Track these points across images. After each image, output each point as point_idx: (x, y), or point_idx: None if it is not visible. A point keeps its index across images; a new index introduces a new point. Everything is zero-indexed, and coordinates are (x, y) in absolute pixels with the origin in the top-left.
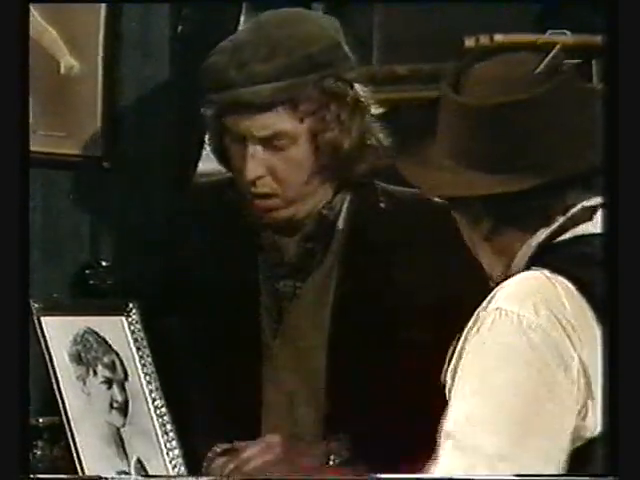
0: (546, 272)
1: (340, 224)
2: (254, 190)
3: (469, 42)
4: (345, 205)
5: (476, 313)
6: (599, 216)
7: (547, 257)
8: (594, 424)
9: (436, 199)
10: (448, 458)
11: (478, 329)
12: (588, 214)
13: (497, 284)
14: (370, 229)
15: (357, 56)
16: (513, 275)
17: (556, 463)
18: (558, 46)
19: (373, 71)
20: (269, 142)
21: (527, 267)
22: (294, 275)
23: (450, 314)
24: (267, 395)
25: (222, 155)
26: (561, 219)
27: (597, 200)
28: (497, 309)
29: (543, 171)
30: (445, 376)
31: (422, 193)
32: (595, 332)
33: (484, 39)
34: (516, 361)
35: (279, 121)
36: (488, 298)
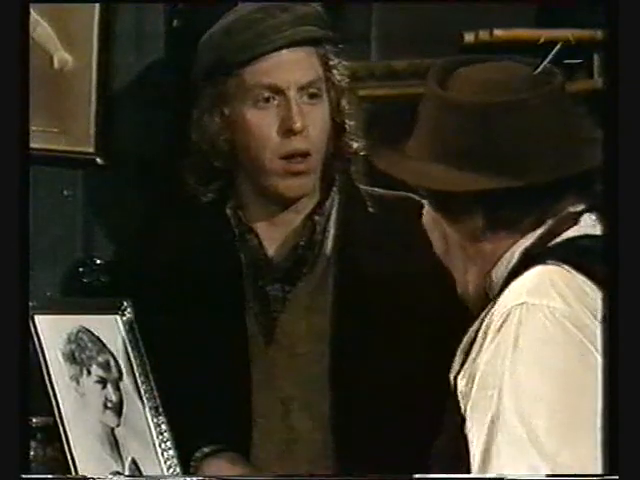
0: (559, 264)
1: (330, 230)
2: (294, 146)
3: (468, 37)
4: (334, 211)
5: (489, 312)
6: (584, 221)
7: (548, 256)
8: None
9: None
10: (509, 455)
11: (500, 326)
12: (574, 219)
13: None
14: (361, 234)
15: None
16: (492, 281)
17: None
18: (558, 45)
19: (371, 66)
20: (305, 91)
21: (513, 270)
22: (282, 279)
23: (446, 314)
24: (260, 399)
25: (221, 131)
26: (549, 222)
27: (582, 206)
28: (523, 304)
29: (527, 173)
30: (456, 379)
31: (408, 184)
32: None
33: (483, 34)
34: (557, 351)
35: (315, 66)
36: (502, 296)
